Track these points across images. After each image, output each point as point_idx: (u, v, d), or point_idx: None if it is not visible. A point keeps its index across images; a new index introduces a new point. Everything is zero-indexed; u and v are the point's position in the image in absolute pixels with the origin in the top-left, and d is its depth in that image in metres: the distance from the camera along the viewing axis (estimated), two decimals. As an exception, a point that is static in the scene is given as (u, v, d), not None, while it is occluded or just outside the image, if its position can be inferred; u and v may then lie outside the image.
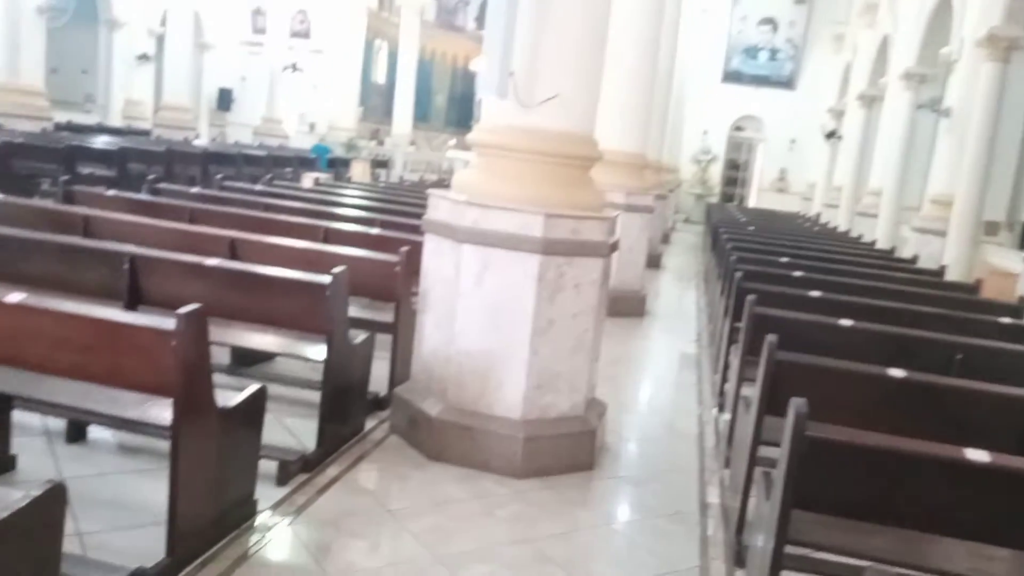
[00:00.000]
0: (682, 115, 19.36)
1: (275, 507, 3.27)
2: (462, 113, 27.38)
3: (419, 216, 4.50)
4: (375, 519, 3.33)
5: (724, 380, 5.47)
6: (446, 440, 3.94)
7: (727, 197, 25.36)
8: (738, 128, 25.25)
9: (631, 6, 7.89)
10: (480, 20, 23.73)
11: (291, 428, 4.04)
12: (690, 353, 7.36)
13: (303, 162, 15.98)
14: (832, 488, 2.47)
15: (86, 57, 20.23)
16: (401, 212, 7.30)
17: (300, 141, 21.38)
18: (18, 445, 3.31)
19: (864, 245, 11.68)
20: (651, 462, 4.55)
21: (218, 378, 2.85)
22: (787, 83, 24.53)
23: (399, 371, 4.55)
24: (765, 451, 3.39)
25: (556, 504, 3.69)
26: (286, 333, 4.06)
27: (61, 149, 10.95)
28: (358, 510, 3.37)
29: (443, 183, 13.22)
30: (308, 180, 12.21)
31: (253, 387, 3.06)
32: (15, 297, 2.65)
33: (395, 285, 4.54)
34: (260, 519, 3.15)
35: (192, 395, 2.65)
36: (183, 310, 2.55)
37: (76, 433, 3.60)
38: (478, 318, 3.92)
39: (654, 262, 12.15)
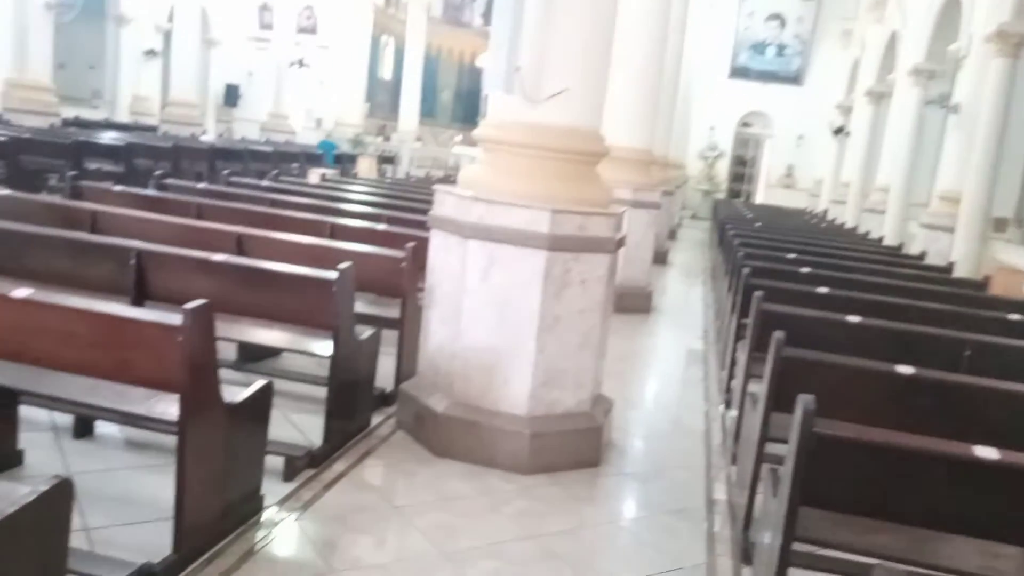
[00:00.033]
0: (689, 111, 19.27)
1: (281, 503, 3.27)
2: (468, 109, 27.31)
3: (425, 212, 4.49)
4: (381, 515, 3.33)
5: (731, 376, 5.45)
6: (452, 436, 3.93)
7: (734, 193, 25.25)
8: (745, 124, 25.15)
9: (639, 1, 7.86)
10: (486, 16, 23.70)
11: (297, 424, 4.05)
12: (697, 349, 7.35)
13: (309, 158, 15.98)
14: (840, 485, 2.46)
15: (93, 53, 20.28)
16: (407, 208, 7.28)
17: (306, 137, 21.43)
18: (25, 440, 3.32)
19: (872, 241, 11.65)
20: (657, 458, 4.54)
21: (224, 374, 2.85)
22: (795, 79, 24.41)
23: (405, 367, 4.56)
24: (772, 448, 3.38)
25: (562, 500, 3.69)
26: (292, 329, 4.06)
27: (68, 145, 10.98)
28: (364, 506, 3.37)
29: (449, 179, 13.20)
30: (314, 176, 12.23)
31: (259, 383, 3.07)
32: (22, 292, 2.65)
33: (401, 281, 4.55)
34: (266, 515, 3.15)
35: (199, 391, 2.65)
36: (190, 306, 2.55)
37: (83, 428, 3.62)
38: (484, 314, 3.92)
39: (661, 258, 12.13)
